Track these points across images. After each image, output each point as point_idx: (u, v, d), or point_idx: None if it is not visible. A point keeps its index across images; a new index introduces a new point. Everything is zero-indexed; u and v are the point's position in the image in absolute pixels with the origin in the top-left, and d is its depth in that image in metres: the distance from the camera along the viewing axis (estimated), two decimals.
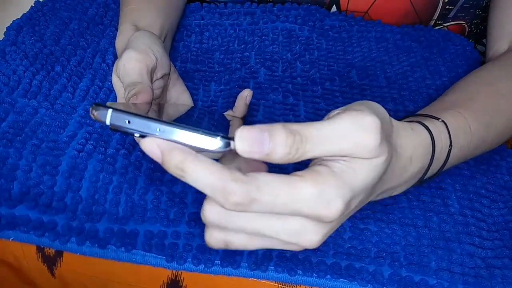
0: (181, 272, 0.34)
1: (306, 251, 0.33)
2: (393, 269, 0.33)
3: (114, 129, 0.24)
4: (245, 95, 0.42)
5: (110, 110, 0.24)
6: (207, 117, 0.39)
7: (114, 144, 0.40)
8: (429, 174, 0.35)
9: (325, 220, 0.25)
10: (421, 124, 0.34)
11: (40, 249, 0.35)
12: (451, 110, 0.38)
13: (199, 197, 0.37)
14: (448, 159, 0.36)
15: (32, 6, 0.55)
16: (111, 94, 0.46)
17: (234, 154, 0.24)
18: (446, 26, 0.62)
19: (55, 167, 0.37)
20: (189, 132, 0.23)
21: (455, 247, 0.35)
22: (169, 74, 0.42)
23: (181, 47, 0.55)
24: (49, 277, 0.36)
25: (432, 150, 0.34)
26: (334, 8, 0.61)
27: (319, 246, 0.27)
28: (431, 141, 0.34)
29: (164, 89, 0.42)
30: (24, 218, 0.34)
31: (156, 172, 0.38)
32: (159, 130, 0.24)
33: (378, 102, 0.28)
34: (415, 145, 0.32)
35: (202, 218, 0.26)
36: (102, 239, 0.33)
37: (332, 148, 0.24)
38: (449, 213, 0.37)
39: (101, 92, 0.46)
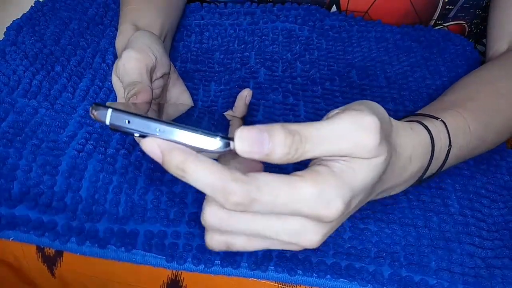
0: (181, 272, 0.34)
1: (306, 251, 0.33)
2: (393, 269, 0.33)
3: (113, 129, 0.24)
4: (245, 95, 0.42)
5: (109, 110, 0.24)
6: (207, 117, 0.39)
7: (114, 144, 0.40)
8: (428, 173, 0.35)
9: (325, 220, 0.25)
10: (421, 124, 0.34)
11: (40, 249, 0.35)
12: (451, 110, 0.38)
13: (199, 197, 0.37)
14: (447, 158, 0.36)
15: (32, 6, 0.55)
16: (111, 94, 0.46)
17: (232, 154, 0.24)
18: (446, 26, 0.62)
19: (55, 167, 0.37)
20: (189, 132, 0.23)
21: (455, 247, 0.35)
22: (169, 73, 0.42)
23: (181, 47, 0.55)
24: (49, 277, 0.36)
25: (432, 149, 0.34)
26: (334, 8, 0.61)
27: (319, 246, 0.27)
28: (430, 141, 0.34)
29: (164, 88, 0.42)
30: (24, 218, 0.34)
31: (156, 172, 0.38)
32: (159, 130, 0.24)
33: (378, 102, 0.28)
34: (414, 144, 0.32)
35: (202, 221, 0.26)
36: (102, 239, 0.33)
37: (331, 148, 0.24)
38: (449, 213, 0.37)
39: (101, 92, 0.46)
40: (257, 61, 0.52)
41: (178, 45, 0.55)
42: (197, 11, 0.60)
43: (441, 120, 0.36)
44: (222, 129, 0.35)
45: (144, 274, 0.34)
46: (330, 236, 0.29)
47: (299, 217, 0.25)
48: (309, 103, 0.47)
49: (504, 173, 0.42)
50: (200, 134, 0.23)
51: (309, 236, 0.26)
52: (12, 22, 0.52)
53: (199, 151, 0.24)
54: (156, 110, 0.37)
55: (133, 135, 0.24)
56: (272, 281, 0.33)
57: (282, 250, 0.33)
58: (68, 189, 0.36)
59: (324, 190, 0.24)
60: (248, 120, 0.45)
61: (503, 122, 0.41)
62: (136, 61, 0.36)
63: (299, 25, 0.57)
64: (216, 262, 0.33)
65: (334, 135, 0.24)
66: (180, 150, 0.23)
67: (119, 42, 0.45)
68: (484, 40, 0.64)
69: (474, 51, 0.57)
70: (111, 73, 0.41)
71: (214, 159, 0.25)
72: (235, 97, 0.43)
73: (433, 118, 0.36)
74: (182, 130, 0.23)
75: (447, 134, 0.36)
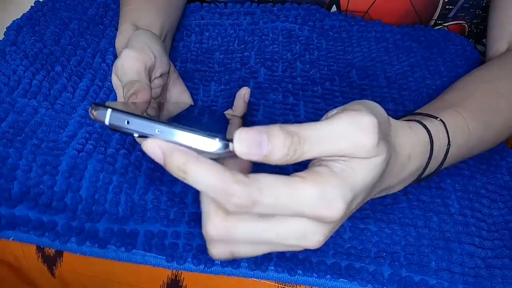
0: (181, 272, 0.34)
1: (306, 251, 0.33)
2: (393, 269, 0.33)
3: (113, 129, 0.24)
4: (243, 94, 0.42)
5: (109, 110, 0.24)
6: (207, 116, 0.39)
7: (114, 144, 0.40)
8: (427, 172, 0.35)
9: (327, 220, 0.25)
10: (419, 123, 0.34)
11: (40, 249, 0.35)
12: (450, 109, 0.38)
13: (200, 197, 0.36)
14: (446, 157, 0.36)
15: (32, 6, 0.55)
16: (111, 94, 0.46)
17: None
18: (446, 26, 0.62)
19: (55, 167, 0.37)
20: (188, 133, 0.23)
21: (455, 247, 0.35)
22: (168, 73, 0.42)
23: (181, 47, 0.55)
24: (49, 277, 0.36)
25: (430, 148, 0.34)
26: (334, 8, 0.61)
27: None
28: (429, 140, 0.34)
29: (164, 88, 0.42)
30: (24, 218, 0.34)
31: (156, 172, 0.38)
32: (158, 130, 0.24)
33: (378, 102, 0.28)
34: (413, 143, 0.32)
35: (204, 234, 0.26)
36: (102, 239, 0.33)
37: (330, 149, 0.24)
38: (449, 213, 0.37)
39: (101, 92, 0.46)
40: (257, 61, 0.52)
41: (178, 45, 0.55)
42: (197, 11, 0.60)
43: (440, 120, 0.36)
44: (221, 128, 0.35)
45: (144, 274, 0.34)
46: (330, 236, 0.29)
47: (302, 218, 0.25)
48: (309, 103, 0.47)
49: (504, 173, 0.42)
50: (199, 135, 0.23)
51: (312, 237, 0.26)
52: (12, 22, 0.52)
53: (198, 152, 0.24)
54: (157, 110, 0.37)
55: (133, 135, 0.24)
56: (272, 281, 0.33)
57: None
58: (68, 189, 0.36)
59: (325, 190, 0.24)
60: (248, 119, 0.45)
61: (503, 122, 0.41)
62: (134, 60, 0.36)
63: (299, 25, 0.57)
64: (216, 262, 0.33)
65: (333, 135, 0.24)
66: (181, 151, 0.23)
67: (119, 42, 0.45)
68: (484, 40, 0.64)
69: (474, 51, 0.57)
70: (111, 73, 0.41)
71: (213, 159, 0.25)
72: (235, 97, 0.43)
73: (432, 117, 0.36)
74: (181, 131, 0.23)
75: (446, 133, 0.36)
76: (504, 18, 0.51)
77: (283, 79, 0.50)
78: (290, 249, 0.27)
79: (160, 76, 0.40)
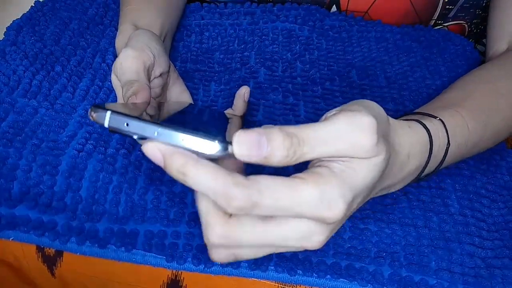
0: (181, 272, 0.34)
1: (306, 251, 0.33)
2: (393, 269, 0.33)
3: (112, 131, 0.24)
4: (243, 93, 0.42)
5: (108, 113, 0.24)
6: (207, 115, 0.39)
7: (114, 144, 0.40)
8: (426, 171, 0.35)
9: (327, 221, 0.25)
10: (419, 122, 0.34)
11: (40, 249, 0.35)
12: (449, 108, 0.38)
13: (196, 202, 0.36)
14: (445, 157, 0.36)
15: (32, 6, 0.55)
16: (111, 94, 0.46)
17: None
18: (446, 26, 0.62)
19: (55, 167, 0.37)
20: (187, 136, 0.23)
21: (455, 247, 0.35)
22: (168, 72, 0.42)
23: (181, 47, 0.55)
24: (49, 277, 0.36)
25: (430, 148, 0.34)
26: (334, 8, 0.61)
27: None
28: (428, 139, 0.34)
29: (164, 87, 0.42)
30: (24, 218, 0.34)
31: (156, 172, 0.38)
32: (157, 133, 0.24)
33: (378, 102, 0.28)
34: (412, 142, 0.32)
35: (205, 241, 0.26)
36: (102, 239, 0.33)
37: (329, 150, 0.25)
38: (449, 213, 0.37)
39: (101, 92, 0.46)
40: (257, 61, 0.52)
41: (178, 45, 0.55)
42: (197, 11, 0.60)
43: (439, 119, 0.36)
44: (221, 128, 0.35)
45: (144, 274, 0.34)
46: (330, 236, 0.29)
47: (302, 219, 0.25)
48: (309, 103, 0.47)
49: (504, 173, 0.42)
50: (199, 137, 0.23)
51: (313, 238, 0.26)
52: (12, 22, 0.52)
53: (198, 154, 0.24)
54: (156, 109, 0.37)
55: (132, 137, 0.24)
56: (272, 281, 0.33)
57: None
58: (68, 189, 0.36)
59: (325, 191, 0.24)
60: (248, 119, 0.45)
61: (502, 122, 0.41)
62: (133, 60, 0.36)
63: (299, 25, 0.57)
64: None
65: (331, 136, 0.24)
66: (181, 153, 0.23)
67: (119, 42, 0.45)
68: (484, 40, 0.64)
69: (474, 51, 0.57)
70: (111, 73, 0.41)
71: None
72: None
73: (431, 116, 0.36)
74: (180, 133, 0.23)
75: (445, 133, 0.36)
76: (504, 18, 0.51)
77: (283, 79, 0.50)
78: (292, 250, 0.27)
79: (160, 75, 0.40)
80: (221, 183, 0.23)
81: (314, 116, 0.46)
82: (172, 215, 0.35)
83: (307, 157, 0.24)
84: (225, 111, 0.43)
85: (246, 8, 0.59)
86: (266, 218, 0.25)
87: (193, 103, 0.46)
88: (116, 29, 0.50)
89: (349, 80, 0.51)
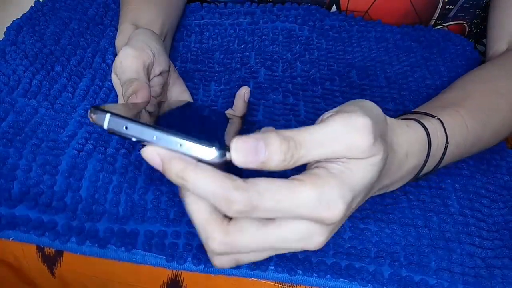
0: (181, 272, 0.34)
1: (306, 251, 0.33)
2: (393, 269, 0.33)
3: (111, 133, 0.24)
4: (243, 93, 0.42)
5: (108, 115, 0.24)
6: (207, 115, 0.39)
7: (114, 143, 0.40)
8: (425, 170, 0.35)
9: (327, 222, 0.25)
10: (417, 122, 0.34)
11: (40, 249, 0.35)
12: (448, 108, 0.38)
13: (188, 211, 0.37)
14: (444, 156, 0.36)
15: (32, 6, 0.55)
16: (111, 94, 0.46)
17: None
18: (446, 26, 0.62)
19: (55, 167, 0.37)
20: (185, 141, 0.23)
21: (455, 247, 0.35)
22: (168, 71, 0.42)
23: (181, 47, 0.55)
24: (49, 277, 0.36)
25: (428, 147, 0.34)
26: (334, 8, 0.61)
27: None
28: (427, 138, 0.34)
29: (165, 87, 0.42)
30: (24, 218, 0.34)
31: (156, 172, 0.38)
32: (156, 137, 0.24)
33: (378, 102, 0.28)
34: (411, 141, 0.32)
35: (206, 248, 0.26)
36: (102, 238, 0.33)
37: (325, 152, 0.25)
38: (449, 213, 0.37)
39: (101, 92, 0.46)
40: (257, 61, 0.52)
41: (178, 45, 0.55)
42: (197, 11, 0.60)
43: (438, 118, 0.36)
44: (221, 128, 0.35)
45: (144, 274, 0.34)
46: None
47: (302, 221, 0.25)
48: (309, 103, 0.47)
49: (504, 173, 0.42)
50: (197, 143, 0.23)
51: (313, 239, 0.26)
52: (12, 22, 0.52)
53: (196, 159, 0.24)
54: (156, 107, 0.37)
55: (131, 139, 0.24)
56: (272, 281, 0.33)
57: None
58: (68, 188, 0.36)
59: (324, 192, 0.24)
60: (248, 119, 0.45)
61: (502, 121, 0.41)
62: (133, 58, 0.36)
63: (299, 25, 0.57)
64: None
65: (327, 138, 0.25)
66: (179, 158, 0.24)
67: (119, 42, 0.45)
68: (484, 40, 0.64)
69: (474, 51, 0.57)
70: (111, 72, 0.41)
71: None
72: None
73: (430, 116, 0.36)
74: (178, 139, 0.23)
75: (444, 132, 0.36)
76: (504, 18, 0.51)
77: (283, 79, 0.50)
78: (292, 251, 0.27)
79: (160, 74, 0.40)
80: (220, 187, 0.23)
81: (314, 116, 0.46)
82: (172, 215, 0.35)
83: (304, 160, 0.24)
84: (225, 112, 0.43)
85: (246, 8, 0.59)
86: (266, 220, 0.25)
87: (193, 102, 0.46)
88: (116, 29, 0.50)
89: (349, 80, 0.51)
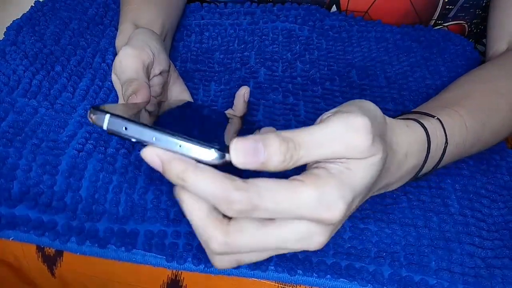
0: (181, 272, 0.34)
1: (306, 251, 0.33)
2: (393, 269, 0.33)
3: (111, 133, 0.24)
4: (242, 93, 0.42)
5: (107, 116, 0.24)
6: (207, 115, 0.39)
7: (114, 143, 0.40)
8: (424, 170, 0.35)
9: (327, 222, 0.25)
10: (417, 121, 0.34)
11: (40, 248, 0.35)
12: (448, 108, 0.38)
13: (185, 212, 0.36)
14: (443, 156, 0.36)
15: (32, 6, 0.55)
16: (111, 94, 0.46)
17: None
18: (446, 26, 0.62)
19: (55, 167, 0.37)
20: (185, 142, 0.23)
21: (455, 247, 0.35)
22: (168, 71, 0.42)
23: (181, 47, 0.55)
24: (49, 277, 0.36)
25: (428, 147, 0.34)
26: (334, 8, 0.61)
27: None
28: (426, 138, 0.34)
29: (165, 86, 0.42)
30: (24, 218, 0.34)
31: (156, 172, 0.38)
32: (155, 138, 0.24)
33: (378, 102, 0.28)
34: (410, 141, 0.32)
35: (206, 249, 0.26)
36: (102, 238, 0.33)
37: (325, 152, 0.25)
38: (449, 213, 0.37)
39: (101, 92, 0.46)
40: (257, 61, 0.52)
41: (178, 45, 0.55)
42: (197, 11, 0.60)
43: (437, 118, 0.36)
44: (221, 129, 0.35)
45: (144, 274, 0.34)
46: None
47: (302, 221, 0.25)
48: (309, 103, 0.48)
49: (504, 173, 0.42)
50: (196, 144, 0.23)
51: (313, 239, 0.26)
52: (12, 22, 0.52)
53: (195, 160, 0.24)
54: (156, 107, 0.37)
55: (130, 140, 0.24)
56: (272, 281, 0.33)
57: None
58: (68, 188, 0.36)
59: (324, 192, 0.24)
60: (248, 119, 0.45)
61: (502, 121, 0.41)
62: (132, 58, 0.36)
63: (299, 25, 0.57)
64: None
65: (326, 139, 0.25)
66: (179, 159, 0.24)
67: (119, 42, 0.45)
68: (484, 40, 0.64)
69: (474, 51, 0.57)
70: (111, 72, 0.41)
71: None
72: None
73: (429, 116, 0.36)
74: (178, 140, 0.24)
75: (443, 132, 0.36)
76: (504, 18, 0.51)
77: (283, 79, 0.50)
78: (293, 251, 0.27)
79: (160, 73, 0.40)
80: (220, 187, 0.23)
81: (314, 116, 0.46)
82: (172, 214, 0.35)
83: (303, 161, 0.24)
84: (225, 112, 0.43)
85: (246, 8, 0.59)
86: (266, 221, 0.25)
87: (193, 101, 0.46)
88: (116, 29, 0.50)
89: (349, 80, 0.51)
